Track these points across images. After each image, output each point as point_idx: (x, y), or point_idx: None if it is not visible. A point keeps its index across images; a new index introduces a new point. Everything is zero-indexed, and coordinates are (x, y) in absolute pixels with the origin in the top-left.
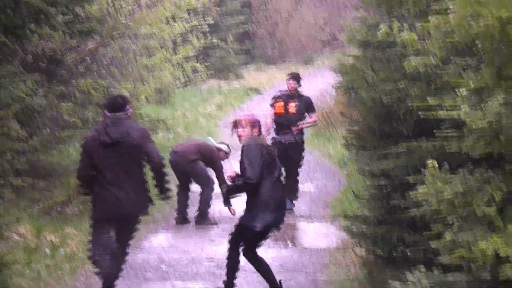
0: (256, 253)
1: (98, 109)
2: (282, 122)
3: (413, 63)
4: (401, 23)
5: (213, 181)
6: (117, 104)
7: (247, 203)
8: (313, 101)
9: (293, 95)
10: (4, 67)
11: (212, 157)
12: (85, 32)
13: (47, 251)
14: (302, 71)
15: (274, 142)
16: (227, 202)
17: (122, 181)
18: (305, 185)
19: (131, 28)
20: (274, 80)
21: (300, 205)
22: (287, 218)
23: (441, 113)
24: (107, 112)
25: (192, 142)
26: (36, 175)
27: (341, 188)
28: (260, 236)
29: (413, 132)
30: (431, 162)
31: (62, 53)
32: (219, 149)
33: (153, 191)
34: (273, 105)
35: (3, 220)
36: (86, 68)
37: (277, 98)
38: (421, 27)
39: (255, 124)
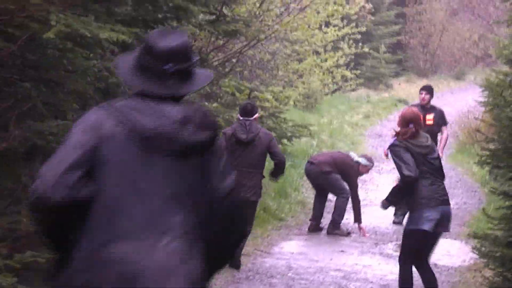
0: (428, 263)
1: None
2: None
3: None
4: None
5: (348, 191)
6: (246, 110)
7: (409, 207)
8: (447, 114)
9: (427, 107)
10: None
11: (348, 172)
12: (230, 33)
13: None
14: (453, 85)
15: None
16: (358, 220)
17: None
18: None
19: (278, 31)
20: None
21: None
22: None
23: None
24: (239, 116)
25: (330, 153)
26: None
27: (480, 206)
28: (430, 240)
29: None
30: None
31: (208, 53)
32: (357, 163)
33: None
34: None
35: None
36: (231, 69)
37: None
38: None
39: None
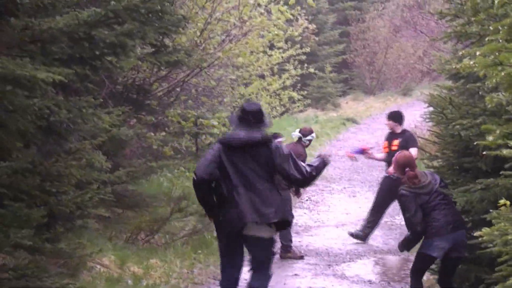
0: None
1: (192, 139)
2: (389, 160)
3: (494, 98)
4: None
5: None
6: None
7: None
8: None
9: (396, 133)
10: (84, 99)
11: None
12: (172, 63)
13: (130, 282)
14: (400, 101)
15: (385, 178)
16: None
17: None
18: (397, 218)
19: (221, 58)
20: (372, 109)
21: (389, 240)
22: (373, 255)
23: (505, 152)
24: None
25: None
26: (124, 205)
27: None
28: (448, 265)
29: (492, 168)
30: (503, 200)
31: (151, 83)
32: (304, 141)
33: None
34: None
35: (86, 251)
36: (175, 98)
37: (385, 138)
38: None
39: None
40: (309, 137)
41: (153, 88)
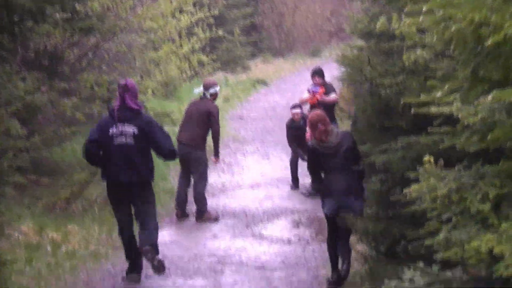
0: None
1: (104, 104)
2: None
3: (411, 56)
4: (400, 15)
5: (207, 178)
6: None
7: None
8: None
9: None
10: (2, 66)
11: (212, 115)
12: (85, 30)
13: (49, 248)
14: (309, 62)
15: None
16: (215, 154)
17: None
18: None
19: (133, 23)
20: (282, 72)
21: (306, 200)
22: (291, 214)
23: (433, 109)
24: None
25: (190, 123)
26: (40, 172)
27: None
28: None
29: (413, 126)
30: (427, 157)
31: (63, 50)
32: (211, 95)
33: None
34: None
35: (4, 218)
36: (88, 64)
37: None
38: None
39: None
40: (211, 90)
41: (65, 54)
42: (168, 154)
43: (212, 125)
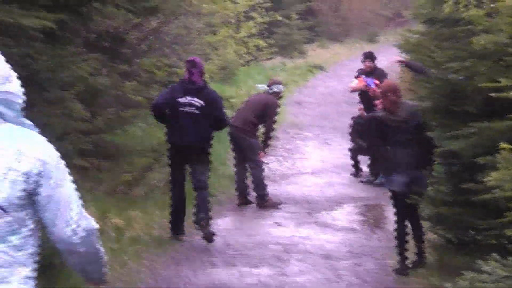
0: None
1: (162, 88)
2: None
3: (481, 40)
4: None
5: (261, 163)
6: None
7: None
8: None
9: (369, 71)
10: (66, 48)
11: (271, 109)
12: (149, 11)
13: (112, 234)
14: (366, 48)
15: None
16: (264, 148)
17: None
18: None
19: (195, 6)
20: (338, 57)
21: (368, 187)
22: (353, 201)
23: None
24: None
25: (245, 109)
26: (101, 155)
27: None
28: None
29: (482, 111)
30: (502, 144)
31: (126, 31)
32: (275, 92)
33: None
34: None
35: None
36: (149, 46)
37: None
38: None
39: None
40: (274, 88)
41: (127, 36)
42: (224, 122)
43: (267, 118)
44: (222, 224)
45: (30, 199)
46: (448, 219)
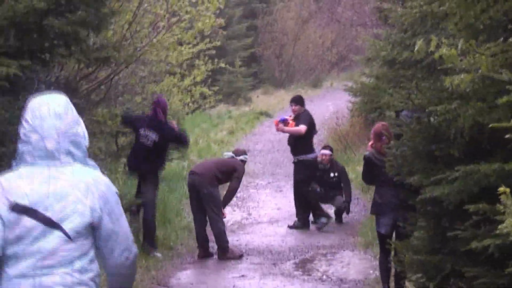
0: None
1: (111, 139)
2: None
3: (455, 80)
4: (439, 39)
5: (222, 214)
6: None
7: None
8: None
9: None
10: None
11: (236, 171)
12: (102, 60)
13: None
14: (311, 93)
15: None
16: (224, 205)
17: None
18: (328, 211)
19: (147, 53)
20: (283, 102)
21: (328, 234)
22: (317, 249)
23: None
24: None
25: (210, 161)
26: None
27: (366, 213)
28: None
29: (466, 155)
30: (502, 188)
31: (77, 81)
32: (242, 161)
33: None
34: None
35: None
36: (104, 96)
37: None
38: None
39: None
40: (241, 157)
41: (79, 86)
42: (184, 143)
43: (234, 179)
44: (184, 278)
45: (93, 230)
46: (433, 265)
